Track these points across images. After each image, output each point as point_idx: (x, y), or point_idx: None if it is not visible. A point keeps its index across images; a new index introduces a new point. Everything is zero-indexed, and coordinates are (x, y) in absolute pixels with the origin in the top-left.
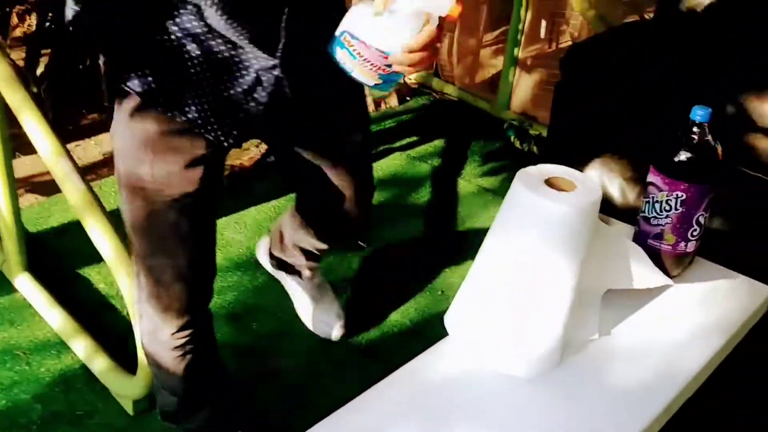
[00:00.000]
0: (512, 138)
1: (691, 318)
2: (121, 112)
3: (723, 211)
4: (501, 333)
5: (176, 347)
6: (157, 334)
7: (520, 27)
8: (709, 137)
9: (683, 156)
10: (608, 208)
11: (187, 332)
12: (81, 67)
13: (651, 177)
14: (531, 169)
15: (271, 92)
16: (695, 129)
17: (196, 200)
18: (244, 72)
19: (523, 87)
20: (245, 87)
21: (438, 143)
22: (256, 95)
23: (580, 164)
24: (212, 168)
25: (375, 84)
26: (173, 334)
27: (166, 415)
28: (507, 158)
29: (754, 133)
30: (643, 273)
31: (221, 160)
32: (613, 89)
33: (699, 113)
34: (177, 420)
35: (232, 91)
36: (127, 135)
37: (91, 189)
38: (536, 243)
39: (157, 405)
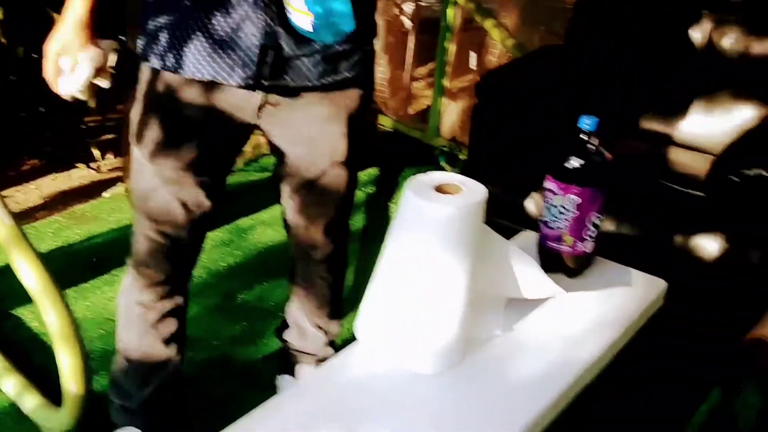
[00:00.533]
0: (442, 163)
1: (589, 313)
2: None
3: (623, 213)
4: (404, 332)
5: (146, 302)
6: (135, 284)
7: (446, 59)
8: (597, 144)
9: (574, 162)
10: (524, 219)
11: (160, 289)
12: (23, 114)
13: (547, 183)
14: (421, 177)
15: (263, 29)
16: (583, 137)
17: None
18: (231, 10)
19: (452, 115)
20: (233, 25)
21: (372, 171)
22: (246, 30)
23: (497, 181)
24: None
25: (312, 24)
26: (148, 287)
27: (113, 384)
28: None
29: (648, 141)
30: (535, 283)
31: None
32: (526, 109)
33: (586, 122)
34: (122, 393)
35: (220, 30)
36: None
37: (18, 225)
38: (427, 244)
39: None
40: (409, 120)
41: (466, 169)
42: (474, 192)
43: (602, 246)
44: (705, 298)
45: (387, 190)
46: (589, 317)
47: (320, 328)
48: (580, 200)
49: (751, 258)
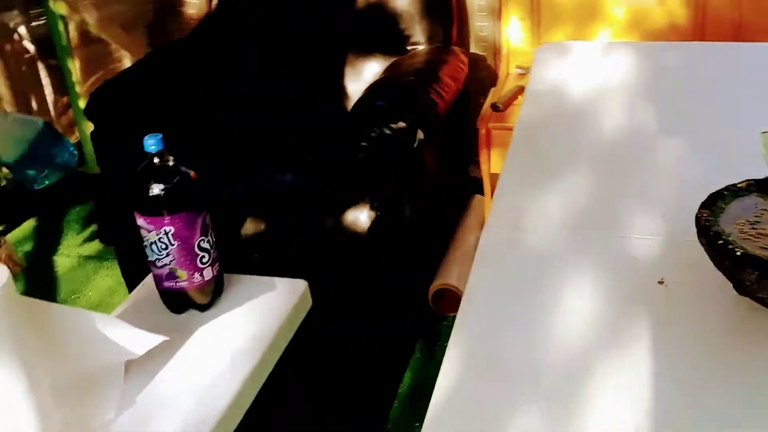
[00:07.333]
0: None
1: (230, 339)
2: None
3: (243, 221)
4: None
5: None
6: None
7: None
8: (174, 164)
9: (156, 191)
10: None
11: None
12: None
13: (137, 221)
14: None
15: None
16: (156, 160)
17: None
18: None
19: None
20: None
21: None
22: None
23: None
24: None
25: None
26: None
27: None
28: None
29: None
30: (131, 340)
31: None
32: (156, 120)
33: (150, 143)
34: None
35: None
36: None
37: None
38: None
39: None
40: None
41: None
42: None
43: (238, 261)
44: (382, 265)
45: (47, 241)
46: (232, 343)
47: None
48: (174, 229)
49: (404, 214)
